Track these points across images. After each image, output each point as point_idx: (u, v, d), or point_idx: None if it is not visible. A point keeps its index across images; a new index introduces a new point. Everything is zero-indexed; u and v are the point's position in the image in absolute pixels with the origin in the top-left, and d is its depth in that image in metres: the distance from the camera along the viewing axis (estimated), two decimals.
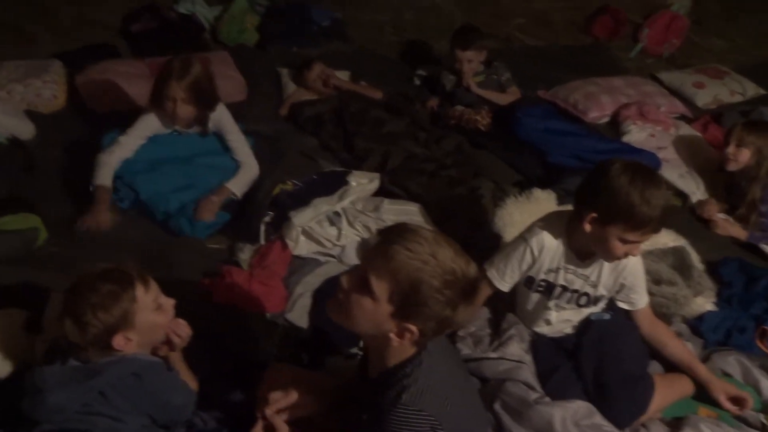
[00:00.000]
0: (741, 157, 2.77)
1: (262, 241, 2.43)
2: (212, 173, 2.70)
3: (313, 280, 2.33)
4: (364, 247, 2.42)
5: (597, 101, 3.59)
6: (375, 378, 1.42)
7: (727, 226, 2.77)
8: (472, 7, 4.60)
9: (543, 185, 2.73)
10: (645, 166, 1.82)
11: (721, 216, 2.82)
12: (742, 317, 2.25)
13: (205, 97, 2.64)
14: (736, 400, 1.96)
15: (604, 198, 1.77)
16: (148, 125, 2.70)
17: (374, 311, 1.31)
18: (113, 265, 1.59)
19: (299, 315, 2.20)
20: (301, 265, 2.39)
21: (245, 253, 2.40)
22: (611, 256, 1.86)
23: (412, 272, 1.26)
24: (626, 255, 1.84)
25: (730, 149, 2.79)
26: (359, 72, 3.79)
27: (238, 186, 2.66)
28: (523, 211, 2.56)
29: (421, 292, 1.27)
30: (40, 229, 2.45)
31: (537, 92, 3.78)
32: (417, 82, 3.89)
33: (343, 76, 3.72)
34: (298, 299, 2.24)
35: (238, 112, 3.10)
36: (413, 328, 1.31)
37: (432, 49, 4.23)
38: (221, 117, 2.74)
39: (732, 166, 2.81)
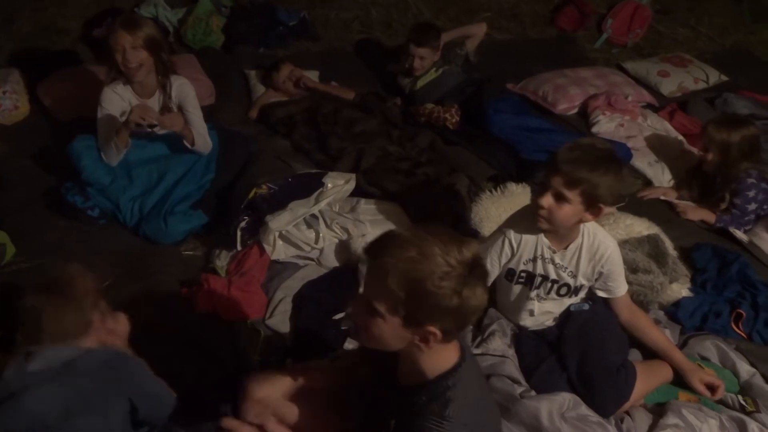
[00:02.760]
0: (709, 157, 2.79)
1: (239, 247, 2.40)
2: (178, 165, 2.67)
3: (293, 284, 2.31)
4: (343, 249, 2.41)
5: (566, 93, 3.62)
6: (410, 386, 1.40)
7: (696, 210, 2.82)
8: (438, 2, 4.60)
9: (517, 179, 2.75)
10: (602, 146, 1.85)
11: (688, 203, 2.87)
12: (717, 301, 2.30)
13: (157, 46, 2.53)
14: (711, 387, 1.99)
15: None
16: (112, 98, 2.59)
17: (388, 328, 1.30)
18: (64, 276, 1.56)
19: (280, 320, 2.18)
20: (279, 269, 2.36)
21: (222, 260, 2.37)
22: (537, 209, 1.86)
23: (403, 277, 1.23)
24: (544, 210, 1.84)
25: (701, 149, 2.83)
26: (329, 71, 3.77)
27: (192, 139, 2.63)
28: (499, 206, 2.57)
29: (420, 292, 1.24)
30: (7, 245, 2.38)
31: (506, 85, 3.80)
32: (383, 80, 3.86)
33: (312, 75, 3.69)
34: (279, 304, 2.22)
35: (207, 115, 3.05)
36: (432, 329, 1.28)
37: (398, 48, 4.20)
38: (185, 87, 2.67)
39: (705, 167, 2.83)
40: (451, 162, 3.00)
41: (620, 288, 2.07)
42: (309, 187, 2.51)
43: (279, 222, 2.34)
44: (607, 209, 2.10)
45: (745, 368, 2.06)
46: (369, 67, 4.00)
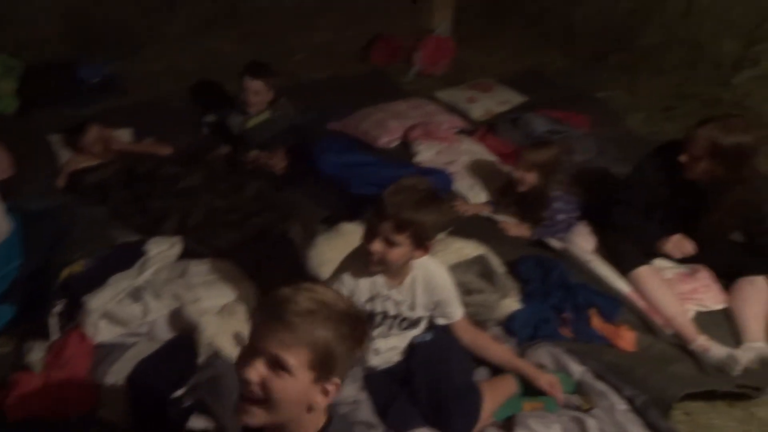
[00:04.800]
0: (528, 179, 2.96)
1: (55, 336, 2.18)
2: None
3: (123, 367, 2.11)
4: (176, 318, 2.26)
5: (386, 126, 3.74)
6: None
7: (514, 228, 3.02)
8: (253, 47, 4.57)
9: (350, 218, 2.78)
10: (423, 186, 1.89)
11: (508, 219, 3.07)
12: (545, 309, 2.45)
13: None
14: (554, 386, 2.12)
15: None
16: None
17: (298, 386, 1.25)
18: None
19: (113, 410, 1.98)
20: (106, 352, 2.16)
21: (36, 353, 2.12)
22: (369, 254, 1.89)
23: (320, 332, 1.24)
24: (376, 255, 1.87)
25: (518, 174, 2.97)
26: (143, 127, 3.58)
27: None
28: (335, 248, 2.56)
29: (335, 346, 1.25)
30: None
31: (328, 124, 3.86)
32: (206, 130, 3.76)
33: (125, 134, 3.49)
34: (109, 392, 2.02)
35: (6, 190, 2.76)
36: (337, 380, 1.30)
37: (221, 92, 4.10)
38: None
39: (522, 188, 2.99)
40: (283, 209, 2.96)
41: (457, 312, 2.15)
42: (130, 257, 2.34)
43: (99, 300, 2.15)
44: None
45: (576, 368, 2.21)
46: (186, 118, 3.85)
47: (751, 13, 3.92)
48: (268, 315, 1.26)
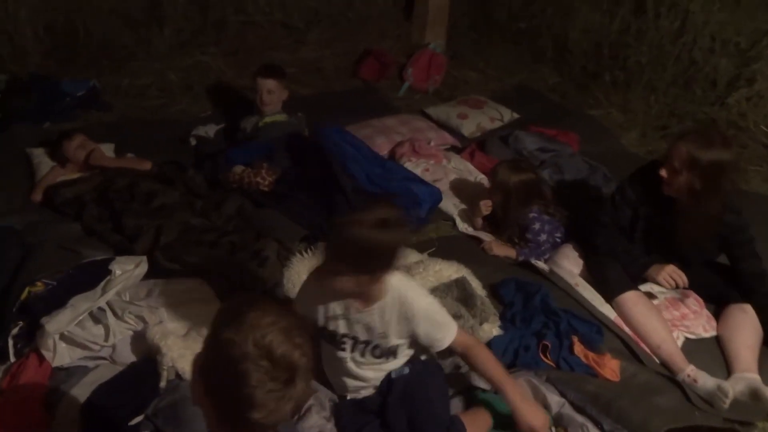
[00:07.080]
0: (494, 197, 2.96)
1: (13, 359, 2.08)
2: None
3: (82, 391, 2.02)
4: (139, 341, 2.17)
5: (373, 143, 3.65)
6: None
7: (500, 246, 2.93)
8: (240, 62, 4.53)
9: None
10: (388, 214, 1.75)
11: (494, 240, 2.99)
12: (526, 335, 2.35)
13: None
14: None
15: None
16: None
17: None
18: None
19: None
20: (64, 377, 2.06)
21: None
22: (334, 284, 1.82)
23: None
24: (328, 282, 1.81)
25: (489, 189, 3.00)
26: (125, 143, 3.52)
27: None
28: (312, 268, 2.48)
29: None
30: None
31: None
32: (193, 141, 3.70)
33: (107, 149, 3.42)
34: (64, 418, 1.93)
35: None
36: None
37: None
38: None
39: (494, 206, 2.98)
40: (259, 226, 2.87)
41: (447, 337, 1.94)
42: (94, 277, 2.25)
43: (58, 323, 2.06)
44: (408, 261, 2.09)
45: (555, 400, 2.11)
46: (172, 134, 3.78)
47: (746, 31, 3.85)
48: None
